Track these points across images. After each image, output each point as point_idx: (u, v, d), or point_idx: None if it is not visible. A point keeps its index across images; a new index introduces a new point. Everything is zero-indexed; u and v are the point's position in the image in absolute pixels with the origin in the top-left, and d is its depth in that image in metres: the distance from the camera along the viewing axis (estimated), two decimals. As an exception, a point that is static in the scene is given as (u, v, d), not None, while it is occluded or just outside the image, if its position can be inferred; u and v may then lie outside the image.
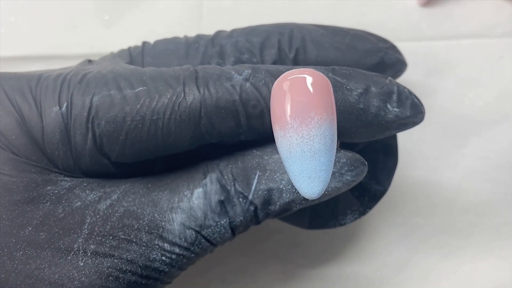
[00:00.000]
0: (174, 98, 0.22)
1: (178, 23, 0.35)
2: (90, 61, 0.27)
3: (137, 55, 0.28)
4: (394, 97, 0.23)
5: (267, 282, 0.32)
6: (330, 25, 0.28)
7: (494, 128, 0.33)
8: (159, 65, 0.27)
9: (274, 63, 0.27)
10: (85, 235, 0.23)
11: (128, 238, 0.23)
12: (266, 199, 0.23)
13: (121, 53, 0.28)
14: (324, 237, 0.33)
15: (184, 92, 0.22)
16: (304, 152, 0.20)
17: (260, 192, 0.23)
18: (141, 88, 0.23)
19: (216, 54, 0.27)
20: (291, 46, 0.27)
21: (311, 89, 0.20)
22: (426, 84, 0.34)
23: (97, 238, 0.23)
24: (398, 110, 0.23)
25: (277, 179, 0.23)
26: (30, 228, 0.22)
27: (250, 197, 0.23)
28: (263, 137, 0.24)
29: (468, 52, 0.34)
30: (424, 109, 0.24)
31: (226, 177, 0.23)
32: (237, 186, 0.23)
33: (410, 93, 0.24)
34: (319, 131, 0.20)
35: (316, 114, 0.20)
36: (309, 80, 0.21)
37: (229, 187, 0.23)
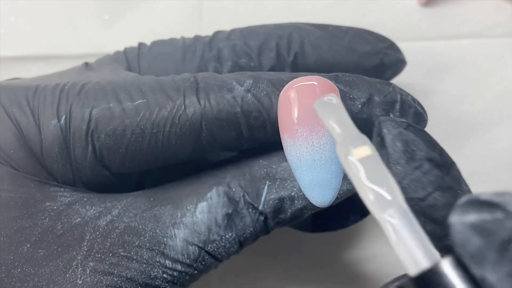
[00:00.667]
0: (174, 111, 0.22)
1: (178, 23, 0.35)
2: (87, 64, 0.27)
3: (133, 59, 0.27)
4: (397, 106, 0.23)
5: (267, 282, 0.32)
6: (328, 24, 0.28)
7: (494, 128, 0.33)
8: (156, 69, 0.27)
9: (273, 67, 0.26)
10: (84, 252, 0.22)
11: (128, 255, 0.22)
12: (277, 208, 0.23)
13: (118, 56, 0.28)
14: (325, 238, 0.33)
15: (184, 104, 0.22)
16: (314, 161, 0.20)
17: (271, 201, 0.23)
18: (140, 101, 0.22)
19: (214, 58, 0.27)
20: (290, 50, 0.26)
21: (318, 96, 0.20)
22: (426, 84, 0.34)
23: (96, 255, 0.22)
24: None
25: (288, 186, 0.23)
26: (28, 245, 0.22)
27: (260, 207, 0.23)
28: (265, 145, 0.24)
29: (468, 52, 0.34)
30: (427, 116, 0.24)
31: (234, 189, 0.23)
32: (246, 197, 0.23)
33: (414, 100, 0.24)
34: (329, 139, 0.20)
35: None
36: (316, 87, 0.21)
37: (237, 199, 0.23)
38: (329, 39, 0.27)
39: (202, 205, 0.23)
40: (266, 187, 0.23)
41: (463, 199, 0.15)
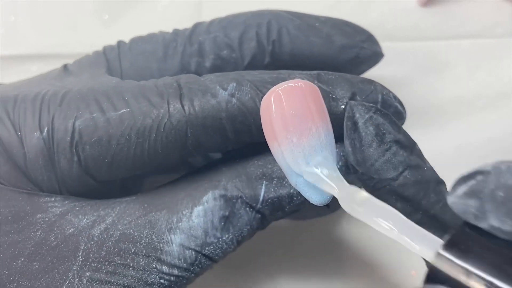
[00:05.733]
0: (159, 119, 0.22)
1: (178, 23, 0.35)
2: (66, 66, 0.27)
3: (114, 60, 0.27)
4: (378, 106, 0.23)
5: (266, 281, 0.32)
6: (307, 13, 0.27)
7: (493, 128, 0.33)
8: (138, 69, 0.26)
9: (254, 56, 0.26)
10: (80, 262, 0.22)
11: (125, 262, 0.22)
12: (276, 206, 0.23)
13: (97, 58, 0.27)
14: (324, 237, 0.33)
15: (169, 112, 0.22)
16: (308, 164, 0.20)
17: (269, 201, 0.23)
18: (124, 110, 0.22)
19: (195, 53, 0.26)
20: (269, 38, 0.26)
21: (303, 99, 0.20)
22: (425, 84, 0.34)
23: (92, 264, 0.22)
24: None
25: (286, 184, 0.23)
26: (22, 259, 0.22)
27: (258, 206, 0.23)
28: (250, 145, 0.23)
29: (468, 52, 0.34)
30: (405, 114, 0.24)
31: (231, 191, 0.23)
32: (244, 198, 0.23)
33: (395, 98, 0.24)
34: (318, 140, 0.20)
35: (313, 124, 0.20)
36: (299, 90, 0.20)
37: (234, 201, 0.23)
38: (307, 29, 0.26)
39: (198, 209, 0.22)
40: (263, 187, 0.23)
41: (453, 183, 0.18)
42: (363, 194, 0.19)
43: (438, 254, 0.17)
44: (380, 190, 0.21)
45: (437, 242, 0.17)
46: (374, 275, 0.33)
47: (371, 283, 0.32)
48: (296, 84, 0.20)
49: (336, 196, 0.20)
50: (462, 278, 0.16)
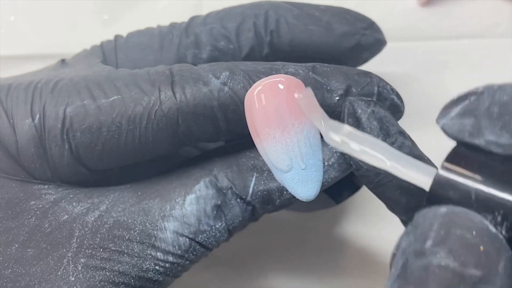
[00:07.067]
0: (150, 106, 0.22)
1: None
2: (63, 61, 0.27)
3: (110, 52, 0.27)
4: (374, 99, 0.23)
5: (265, 281, 0.32)
6: (306, 3, 0.27)
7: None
8: (134, 60, 0.26)
9: (252, 47, 0.26)
10: (75, 249, 0.22)
11: (119, 249, 0.22)
12: (266, 199, 0.23)
13: (94, 50, 0.27)
14: (324, 236, 0.33)
15: (160, 99, 0.22)
16: (292, 159, 0.20)
17: (259, 193, 0.23)
18: (115, 97, 0.22)
19: (192, 44, 0.26)
20: (267, 29, 0.26)
21: (286, 95, 0.20)
22: (425, 84, 0.34)
23: (87, 251, 0.22)
24: None
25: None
26: (16, 245, 0.22)
27: (248, 198, 0.23)
28: (244, 136, 0.23)
29: (468, 52, 0.34)
30: (403, 107, 0.24)
31: (221, 181, 0.23)
32: (234, 189, 0.23)
33: (392, 90, 0.23)
34: (302, 136, 0.20)
35: (295, 120, 0.20)
36: (282, 86, 0.20)
37: (225, 191, 0.23)
38: (306, 18, 0.26)
39: (191, 197, 0.23)
40: (253, 179, 0.23)
41: (442, 107, 0.18)
42: (347, 127, 0.19)
43: (437, 175, 0.17)
44: (386, 185, 0.21)
45: (431, 169, 0.17)
46: (374, 275, 0.33)
47: (371, 283, 0.32)
48: (279, 79, 0.20)
49: (321, 130, 0.19)
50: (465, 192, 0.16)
